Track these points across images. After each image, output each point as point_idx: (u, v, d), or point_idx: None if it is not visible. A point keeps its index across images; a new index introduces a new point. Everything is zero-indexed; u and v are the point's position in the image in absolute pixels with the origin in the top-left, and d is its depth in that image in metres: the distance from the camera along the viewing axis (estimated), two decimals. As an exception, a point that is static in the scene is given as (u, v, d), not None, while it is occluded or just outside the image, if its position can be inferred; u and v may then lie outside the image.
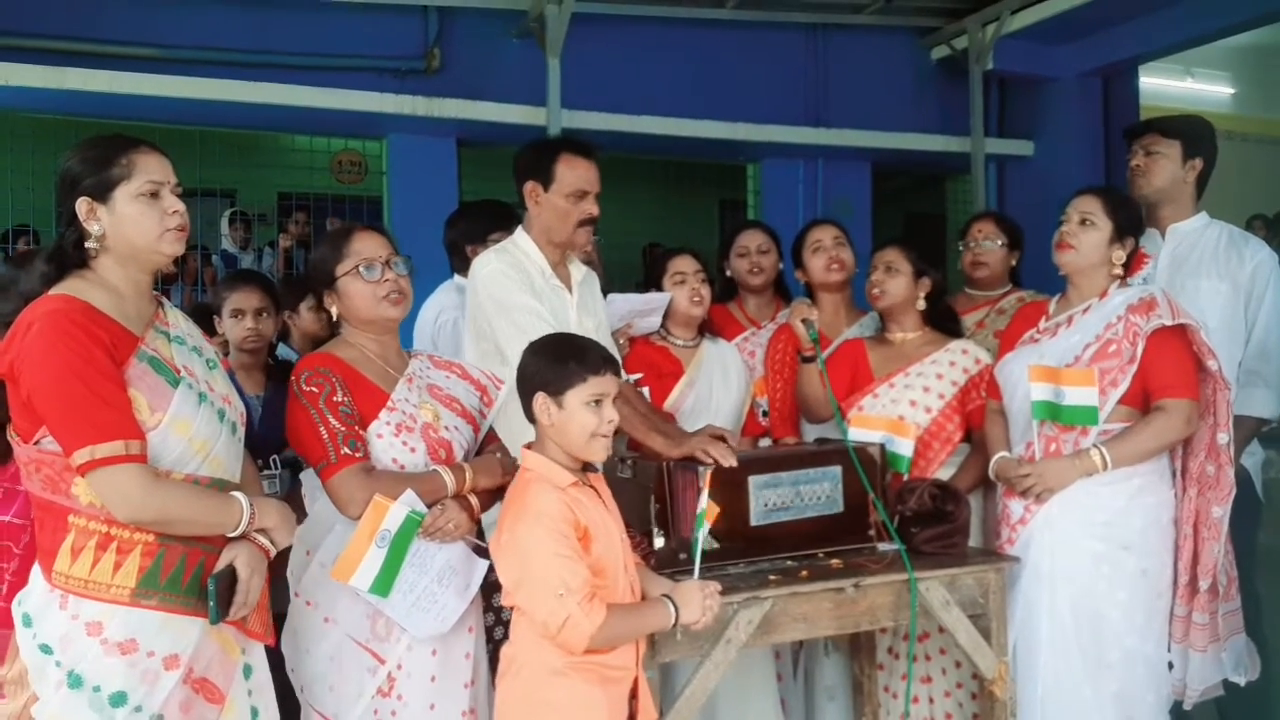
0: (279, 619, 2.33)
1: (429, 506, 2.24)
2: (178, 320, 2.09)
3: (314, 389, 2.26)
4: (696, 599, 2.15)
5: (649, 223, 7.82)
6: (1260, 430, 3.16)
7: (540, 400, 2.11)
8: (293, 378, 2.32)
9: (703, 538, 2.25)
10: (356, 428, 2.26)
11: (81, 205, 1.95)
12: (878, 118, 7.02)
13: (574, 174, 2.81)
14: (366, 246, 2.38)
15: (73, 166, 1.97)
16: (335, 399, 2.26)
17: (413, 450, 2.31)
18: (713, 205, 8.55)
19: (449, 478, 2.30)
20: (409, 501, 2.20)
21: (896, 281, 3.10)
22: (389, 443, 2.30)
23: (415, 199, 6.06)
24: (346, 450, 2.22)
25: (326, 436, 2.22)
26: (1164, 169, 3.17)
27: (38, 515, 1.93)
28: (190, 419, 1.94)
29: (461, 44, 6.19)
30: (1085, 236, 2.79)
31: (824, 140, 6.91)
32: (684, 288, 3.26)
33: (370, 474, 2.23)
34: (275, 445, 2.94)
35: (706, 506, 2.26)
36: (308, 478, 2.38)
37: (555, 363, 2.12)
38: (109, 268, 1.97)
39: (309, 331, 3.64)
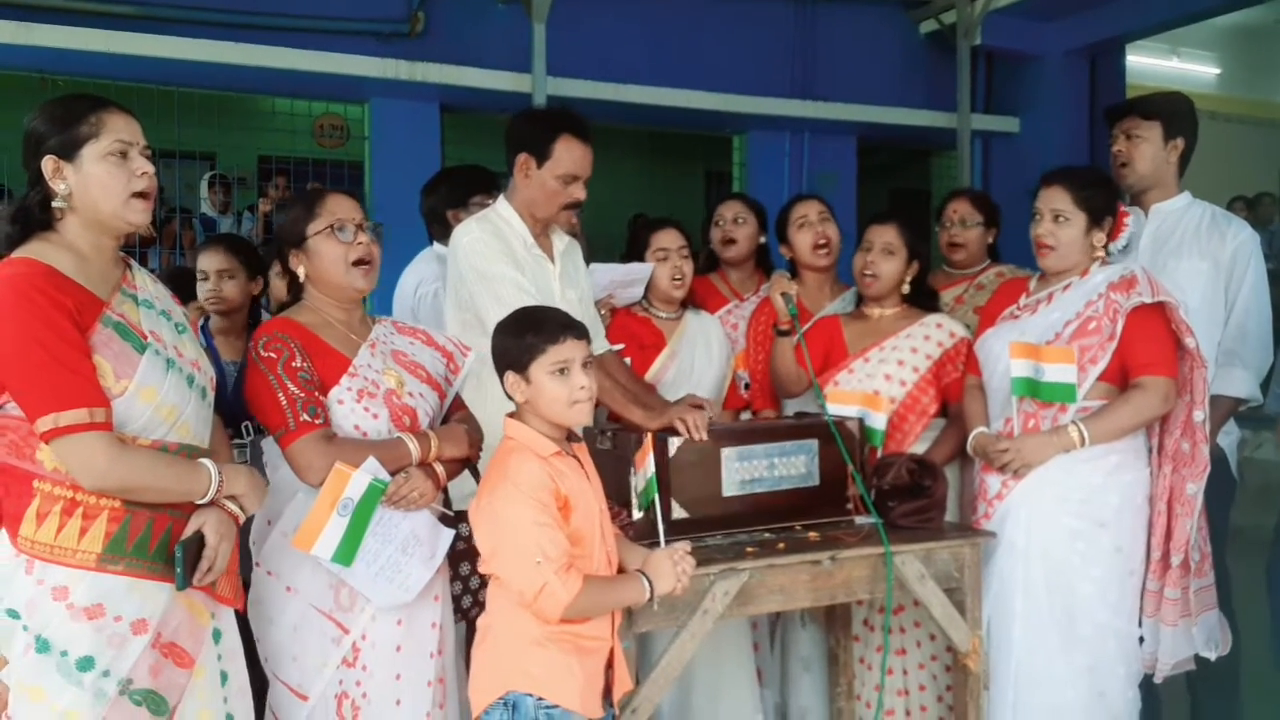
0: (246, 586, 2.30)
1: (393, 474, 2.20)
2: (145, 283, 2.05)
3: (272, 354, 2.21)
4: (667, 568, 2.14)
5: (634, 193, 7.79)
6: (1237, 410, 3.17)
7: (510, 379, 2.11)
8: (251, 343, 2.27)
9: (641, 500, 2.28)
10: (316, 394, 2.22)
11: (47, 164, 1.90)
12: (864, 91, 7.01)
13: (571, 157, 2.77)
14: (341, 208, 2.34)
15: (38, 125, 1.93)
16: (294, 364, 2.21)
17: (375, 416, 2.27)
18: (698, 177, 8.52)
19: (414, 445, 2.26)
20: (371, 469, 2.15)
21: (891, 265, 3.07)
22: (350, 409, 2.25)
23: (397, 164, 6.01)
24: (306, 417, 2.17)
25: (285, 403, 2.17)
26: (1146, 153, 3.16)
27: (1, 480, 1.89)
28: (157, 385, 1.92)
29: (446, 8, 6.11)
30: (1062, 234, 2.78)
31: (810, 113, 6.89)
32: (665, 265, 3.24)
33: (331, 441, 2.19)
34: (247, 412, 2.92)
35: (653, 473, 2.28)
36: (268, 445, 2.32)
37: (515, 339, 2.11)
38: (74, 229, 1.94)
39: (277, 298, 3.60)
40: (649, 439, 2.35)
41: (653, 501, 2.31)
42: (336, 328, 2.34)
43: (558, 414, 2.10)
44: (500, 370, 2.13)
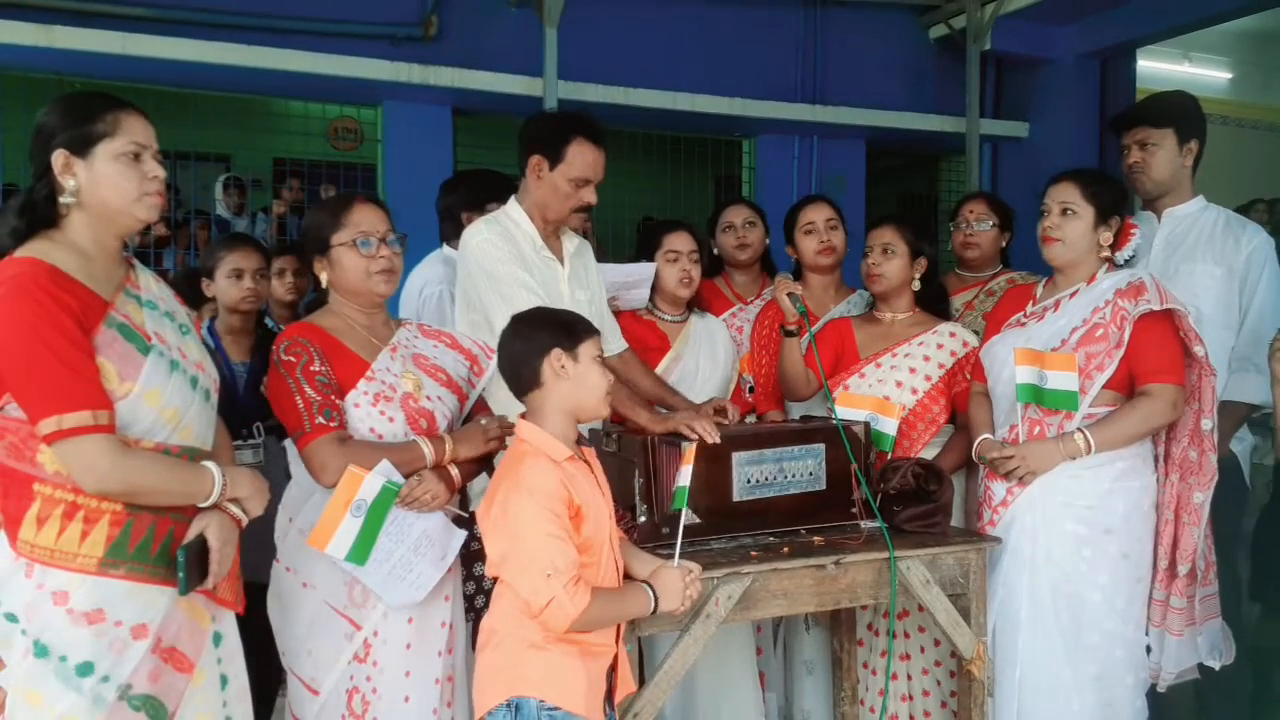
0: (261, 588, 2.33)
1: (407, 477, 2.24)
2: (149, 283, 2.04)
3: (291, 358, 2.26)
4: (677, 587, 2.14)
5: (644, 196, 7.79)
6: (1251, 415, 3.15)
7: (556, 357, 2.09)
8: (274, 347, 2.32)
9: (684, 514, 2.24)
10: (333, 397, 2.26)
11: (58, 158, 1.89)
12: (874, 96, 7.01)
13: (583, 160, 2.80)
14: (366, 219, 2.37)
15: (52, 119, 1.92)
16: (312, 368, 2.26)
17: (390, 420, 2.30)
18: (708, 180, 8.52)
19: (428, 448, 2.29)
20: (384, 472, 2.19)
21: (894, 264, 3.08)
22: (366, 412, 2.29)
23: (410, 167, 6.04)
24: (321, 419, 2.22)
25: (302, 406, 2.23)
26: (1162, 161, 3.14)
27: (2, 482, 1.87)
28: (161, 388, 1.91)
29: (459, 12, 6.14)
30: (1069, 227, 2.76)
31: (820, 117, 6.89)
32: (675, 267, 3.24)
33: (345, 443, 2.23)
34: (259, 413, 2.93)
35: (687, 483, 2.25)
36: (291, 446, 2.36)
37: (561, 323, 2.15)
38: (79, 227, 1.92)
39: (277, 297, 3.62)
40: (692, 448, 2.33)
41: (678, 511, 2.29)
42: (358, 332, 2.38)
43: (595, 402, 2.14)
44: (540, 351, 2.10)
